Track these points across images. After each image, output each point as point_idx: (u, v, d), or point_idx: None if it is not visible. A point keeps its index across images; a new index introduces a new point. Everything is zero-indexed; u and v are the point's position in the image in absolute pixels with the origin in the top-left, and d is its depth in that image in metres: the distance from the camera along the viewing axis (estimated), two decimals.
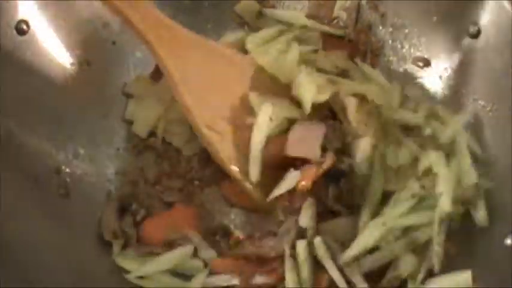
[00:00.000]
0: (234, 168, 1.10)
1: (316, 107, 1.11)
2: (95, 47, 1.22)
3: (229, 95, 1.11)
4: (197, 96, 1.09)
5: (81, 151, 1.19)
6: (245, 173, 1.10)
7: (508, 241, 1.02)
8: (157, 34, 1.08)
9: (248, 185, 1.10)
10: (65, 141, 1.18)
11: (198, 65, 1.10)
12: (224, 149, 1.10)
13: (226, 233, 1.15)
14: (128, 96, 1.24)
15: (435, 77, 1.21)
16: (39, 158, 1.14)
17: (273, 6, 1.30)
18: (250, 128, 1.10)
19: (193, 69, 1.09)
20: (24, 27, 1.13)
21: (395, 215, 1.06)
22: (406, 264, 1.06)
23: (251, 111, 1.11)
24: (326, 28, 1.26)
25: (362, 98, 1.14)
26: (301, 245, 1.06)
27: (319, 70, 1.22)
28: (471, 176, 1.09)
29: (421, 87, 1.23)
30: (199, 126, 1.09)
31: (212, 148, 1.11)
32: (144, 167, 1.21)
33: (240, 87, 1.13)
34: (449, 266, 1.08)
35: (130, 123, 1.23)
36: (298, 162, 1.07)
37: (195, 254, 1.12)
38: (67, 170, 1.17)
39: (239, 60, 1.17)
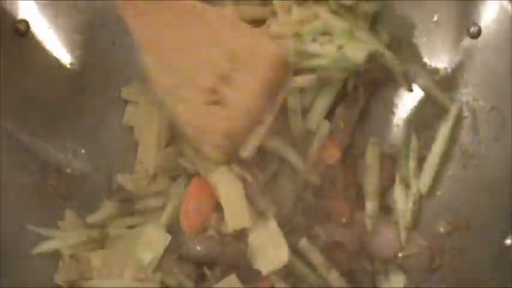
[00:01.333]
0: (190, 132, 1.06)
1: None
2: (94, 47, 1.22)
3: (195, 58, 1.05)
4: (160, 59, 1.03)
5: (81, 151, 1.19)
6: (202, 136, 1.05)
7: (508, 241, 1.02)
8: None
9: (206, 148, 1.06)
10: (65, 141, 1.18)
11: (164, 25, 1.04)
12: (183, 112, 1.04)
13: None
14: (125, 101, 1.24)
15: (435, 77, 1.21)
16: (39, 158, 1.14)
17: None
18: (212, 92, 1.04)
19: (159, 30, 1.03)
20: (24, 27, 1.13)
21: None
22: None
23: (214, 75, 1.04)
24: None
25: None
26: None
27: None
28: None
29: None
30: (160, 90, 1.04)
31: (172, 111, 1.06)
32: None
33: (209, 48, 1.05)
34: (449, 266, 1.09)
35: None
36: None
37: None
38: (67, 170, 1.17)
39: (213, 17, 1.07)
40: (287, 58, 1.08)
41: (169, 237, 1.09)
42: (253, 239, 1.06)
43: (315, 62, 1.14)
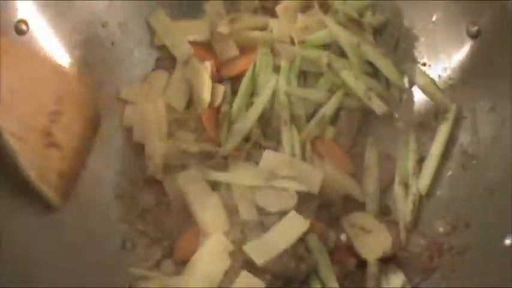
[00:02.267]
0: (32, 174, 1.08)
1: None
2: (94, 47, 1.22)
3: (28, 100, 1.09)
4: (4, 102, 1.06)
5: None
6: (42, 177, 1.09)
7: (508, 241, 1.02)
8: None
9: (45, 189, 1.10)
10: None
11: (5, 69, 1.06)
12: (23, 153, 1.07)
13: None
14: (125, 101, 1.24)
15: (435, 77, 1.21)
16: None
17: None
18: (46, 134, 1.10)
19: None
20: (24, 27, 1.13)
21: None
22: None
23: (46, 117, 1.10)
24: None
25: None
26: None
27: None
28: None
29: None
30: (2, 132, 1.06)
31: (14, 153, 1.07)
32: (144, 167, 1.21)
33: (38, 91, 1.11)
34: (448, 265, 1.09)
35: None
36: None
37: None
38: None
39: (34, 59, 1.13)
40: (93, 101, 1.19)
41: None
42: None
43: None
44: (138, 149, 1.22)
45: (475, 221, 1.10)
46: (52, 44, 1.17)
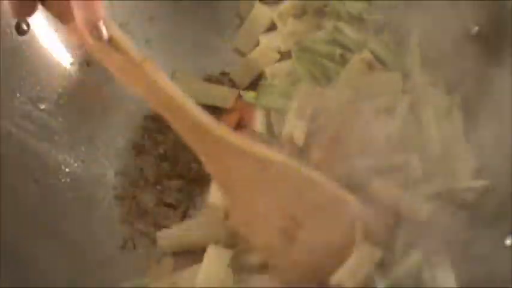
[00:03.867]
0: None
1: None
2: None
3: (265, 197, 1.03)
4: (233, 196, 1.04)
5: (81, 151, 1.19)
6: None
7: (508, 241, 1.02)
8: (202, 143, 1.00)
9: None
10: (65, 141, 1.18)
11: (243, 174, 1.02)
12: (255, 241, 1.05)
13: None
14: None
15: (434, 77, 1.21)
16: (39, 158, 1.14)
17: None
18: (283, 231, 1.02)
19: (237, 179, 1.02)
20: (24, 27, 1.13)
21: None
22: None
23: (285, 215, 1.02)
24: None
25: None
26: None
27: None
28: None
29: None
30: (234, 223, 1.06)
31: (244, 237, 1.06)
32: (144, 167, 1.22)
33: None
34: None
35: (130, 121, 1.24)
36: None
37: None
38: (67, 170, 1.17)
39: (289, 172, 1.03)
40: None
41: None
42: None
43: None
44: (138, 149, 1.22)
45: (475, 221, 1.10)
46: (53, 44, 1.18)
